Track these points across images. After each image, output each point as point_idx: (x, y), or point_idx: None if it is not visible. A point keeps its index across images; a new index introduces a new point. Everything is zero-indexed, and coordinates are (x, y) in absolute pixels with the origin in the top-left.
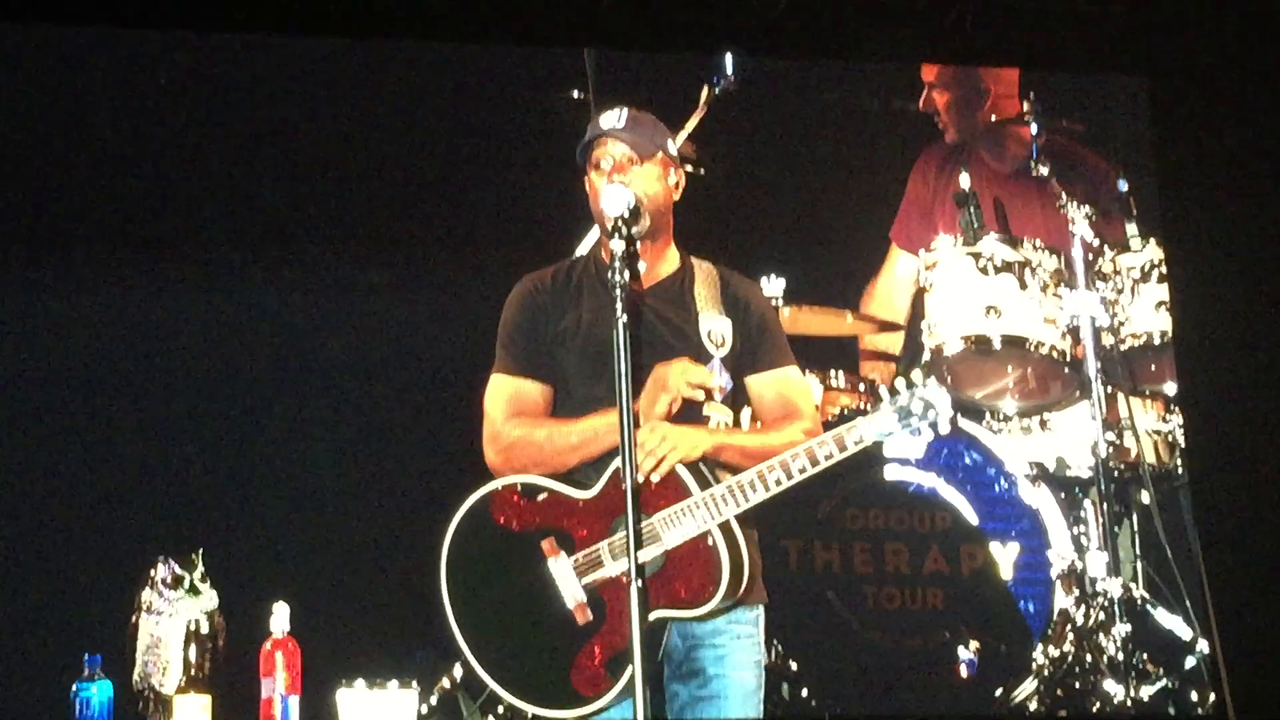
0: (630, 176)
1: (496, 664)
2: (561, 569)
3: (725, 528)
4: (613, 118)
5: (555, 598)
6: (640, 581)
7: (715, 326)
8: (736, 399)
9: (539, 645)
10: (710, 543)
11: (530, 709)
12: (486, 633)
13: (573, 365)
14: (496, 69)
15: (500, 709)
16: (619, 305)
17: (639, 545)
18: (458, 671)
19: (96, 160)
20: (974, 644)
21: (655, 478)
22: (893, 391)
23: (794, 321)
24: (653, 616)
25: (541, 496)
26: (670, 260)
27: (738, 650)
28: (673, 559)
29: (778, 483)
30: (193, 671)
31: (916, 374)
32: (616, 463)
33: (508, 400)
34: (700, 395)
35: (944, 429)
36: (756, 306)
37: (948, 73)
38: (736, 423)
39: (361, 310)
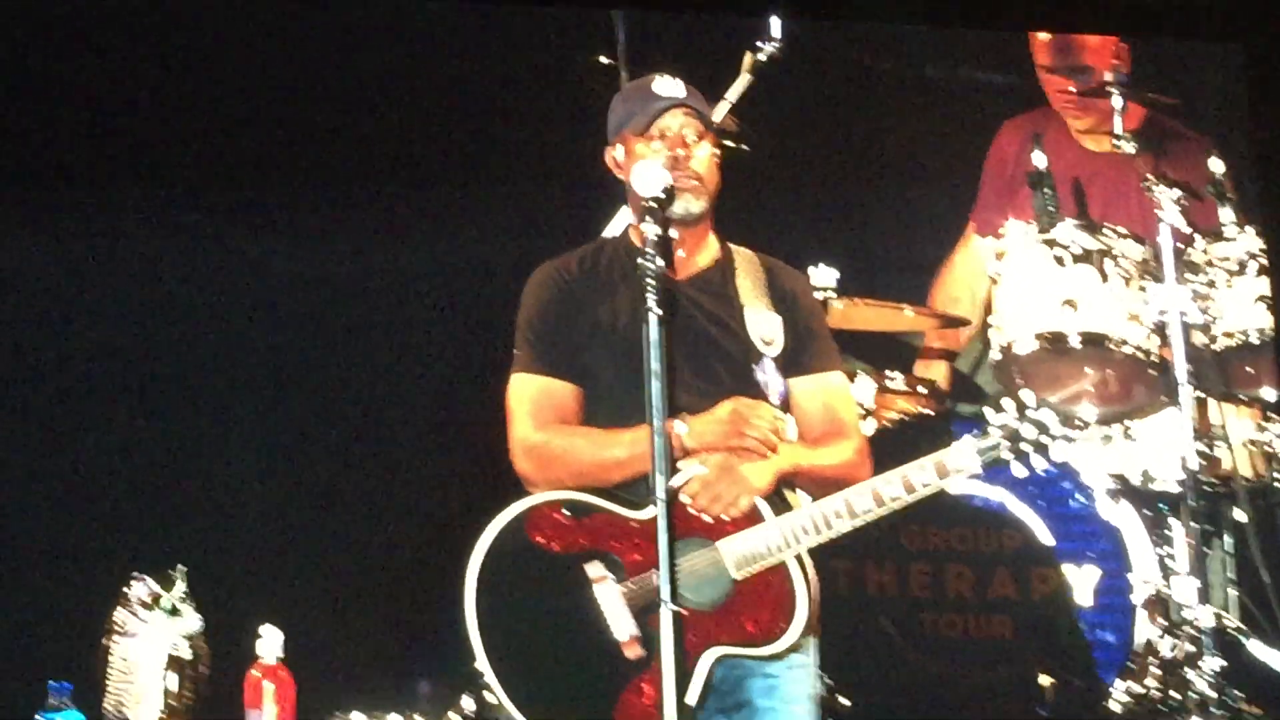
0: (692, 154)
1: (530, 700)
2: (609, 597)
3: (800, 560)
4: (672, 86)
5: (601, 629)
6: (673, 606)
7: (765, 323)
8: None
9: (581, 681)
10: (786, 576)
11: None
12: (519, 665)
13: (607, 365)
14: (518, 30)
15: None
16: (651, 298)
17: (672, 576)
18: (467, 704)
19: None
20: (1046, 678)
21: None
22: (998, 410)
23: (847, 316)
24: (715, 653)
25: (589, 515)
26: (710, 248)
27: (790, 681)
28: (741, 591)
29: (866, 511)
30: (172, 702)
31: (1027, 394)
32: (678, 479)
33: (535, 403)
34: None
35: (1057, 456)
36: (805, 302)
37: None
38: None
39: (368, 300)
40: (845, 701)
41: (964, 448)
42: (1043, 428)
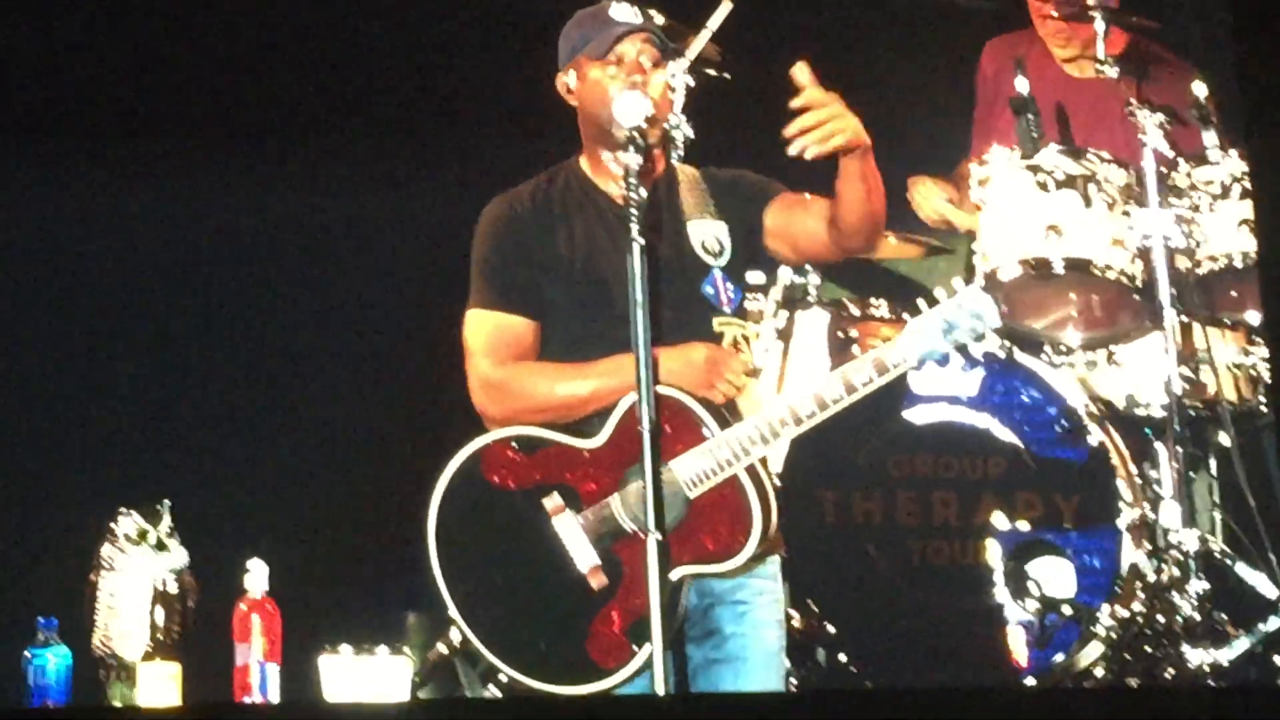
0: (649, 81)
1: (501, 639)
2: (569, 529)
3: (752, 471)
4: (629, 12)
5: (564, 561)
6: (660, 535)
7: (707, 232)
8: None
9: (548, 615)
10: (739, 488)
11: (544, 687)
12: (487, 606)
13: (563, 298)
14: None
15: (503, 677)
16: (634, 227)
17: (658, 496)
18: (455, 636)
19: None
20: (1032, 604)
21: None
22: (931, 303)
23: None
24: (677, 574)
25: (540, 449)
26: (655, 169)
27: (759, 607)
28: (697, 509)
29: (810, 415)
30: (159, 636)
31: (957, 281)
32: (624, 405)
33: (493, 339)
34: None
35: (993, 340)
36: (745, 178)
37: None
38: (737, 342)
39: (346, 238)
40: (832, 629)
41: (899, 341)
42: (978, 316)
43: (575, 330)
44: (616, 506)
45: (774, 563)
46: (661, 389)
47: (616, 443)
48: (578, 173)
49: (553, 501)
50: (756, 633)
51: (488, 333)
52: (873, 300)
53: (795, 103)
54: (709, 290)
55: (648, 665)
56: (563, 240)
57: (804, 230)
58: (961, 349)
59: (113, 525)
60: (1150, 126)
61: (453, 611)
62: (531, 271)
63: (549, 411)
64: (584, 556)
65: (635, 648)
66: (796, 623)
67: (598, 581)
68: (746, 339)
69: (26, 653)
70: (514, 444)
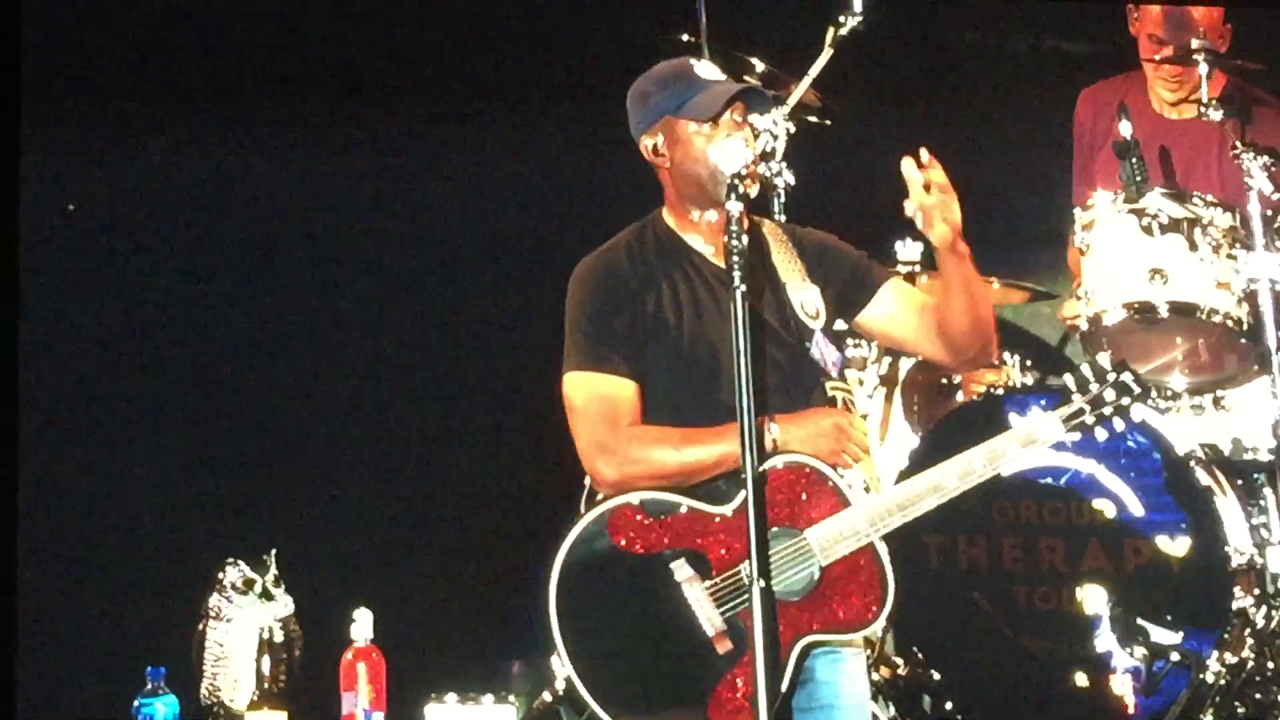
0: (748, 134)
1: (621, 702)
2: (697, 594)
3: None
4: (713, 69)
5: (690, 626)
6: (764, 581)
7: (806, 298)
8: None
9: (671, 679)
10: (874, 558)
11: None
12: (608, 668)
13: (666, 359)
14: (600, 8)
15: None
16: (737, 274)
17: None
18: (561, 684)
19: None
20: (1140, 650)
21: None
22: (1079, 380)
23: (932, 289)
24: (806, 640)
25: (670, 513)
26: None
27: (849, 656)
28: (829, 578)
29: (954, 488)
30: (266, 685)
31: (1104, 358)
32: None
33: (606, 403)
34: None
35: (1137, 415)
36: (834, 249)
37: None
38: (848, 405)
39: (461, 289)
40: (937, 676)
41: (1048, 416)
42: (1124, 389)
43: (678, 393)
44: (747, 573)
45: None
46: (799, 457)
47: (747, 509)
48: (667, 229)
49: (682, 570)
50: (848, 679)
51: (599, 395)
52: None
53: (916, 173)
54: (816, 354)
55: None
56: (667, 301)
57: (909, 342)
58: (1105, 422)
59: (220, 575)
60: (1255, 169)
61: (571, 670)
62: (634, 332)
63: (671, 477)
64: (711, 621)
65: (758, 713)
66: (901, 670)
67: (724, 647)
68: (853, 402)
69: (136, 701)
70: (644, 507)
